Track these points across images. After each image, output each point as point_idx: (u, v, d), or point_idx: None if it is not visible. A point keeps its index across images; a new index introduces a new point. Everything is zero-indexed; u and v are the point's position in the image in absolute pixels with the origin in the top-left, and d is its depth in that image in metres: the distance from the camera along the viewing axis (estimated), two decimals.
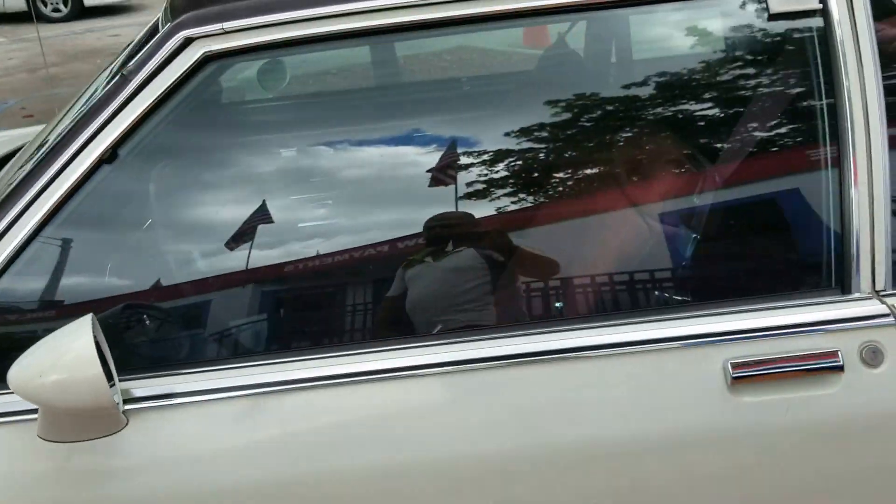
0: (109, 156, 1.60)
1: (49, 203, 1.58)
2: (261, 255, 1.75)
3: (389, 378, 1.58)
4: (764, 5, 1.65)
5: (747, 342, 1.61)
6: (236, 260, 1.75)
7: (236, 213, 1.78)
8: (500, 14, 1.61)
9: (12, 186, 1.59)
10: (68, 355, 1.42)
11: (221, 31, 1.60)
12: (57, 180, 1.59)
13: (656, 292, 1.74)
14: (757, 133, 1.75)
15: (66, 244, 1.63)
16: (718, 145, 1.80)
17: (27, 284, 1.64)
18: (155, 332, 1.69)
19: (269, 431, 1.57)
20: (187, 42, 1.61)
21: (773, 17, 1.64)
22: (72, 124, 1.60)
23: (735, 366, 1.58)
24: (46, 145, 1.64)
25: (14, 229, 1.58)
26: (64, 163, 1.59)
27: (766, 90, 1.75)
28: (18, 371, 1.44)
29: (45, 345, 1.46)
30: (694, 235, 1.77)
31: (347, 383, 1.58)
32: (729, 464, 1.60)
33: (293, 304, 1.80)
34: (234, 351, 1.69)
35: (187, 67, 1.60)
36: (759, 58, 1.73)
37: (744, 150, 1.76)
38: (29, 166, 1.60)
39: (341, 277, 1.79)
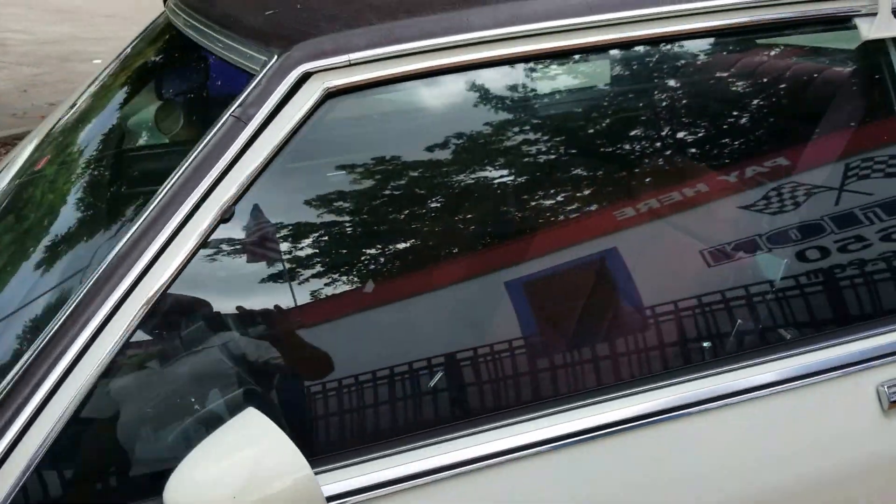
0: (231, 213, 1.33)
1: (168, 271, 1.29)
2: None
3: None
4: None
5: (890, 364, 1.60)
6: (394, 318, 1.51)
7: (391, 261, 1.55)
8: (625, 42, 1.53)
9: (113, 258, 1.27)
10: (266, 461, 1.15)
11: (347, 63, 1.39)
12: (172, 245, 1.30)
13: (758, 327, 1.70)
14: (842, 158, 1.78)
15: (187, 320, 1.33)
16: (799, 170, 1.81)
17: (139, 371, 1.32)
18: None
19: None
20: (304, 77, 1.38)
21: (866, 42, 1.67)
22: (175, 181, 1.31)
23: (892, 388, 1.58)
24: (141, 208, 1.32)
25: (126, 308, 1.26)
26: (179, 224, 1.31)
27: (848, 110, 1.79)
28: (192, 492, 1.14)
29: (213, 452, 1.17)
30: (785, 260, 1.75)
31: None
32: (889, 488, 1.59)
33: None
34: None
35: (310, 106, 1.38)
36: (842, 77, 1.77)
37: (826, 172, 1.79)
38: (133, 230, 1.29)
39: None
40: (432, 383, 1.48)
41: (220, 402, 1.38)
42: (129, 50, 2.30)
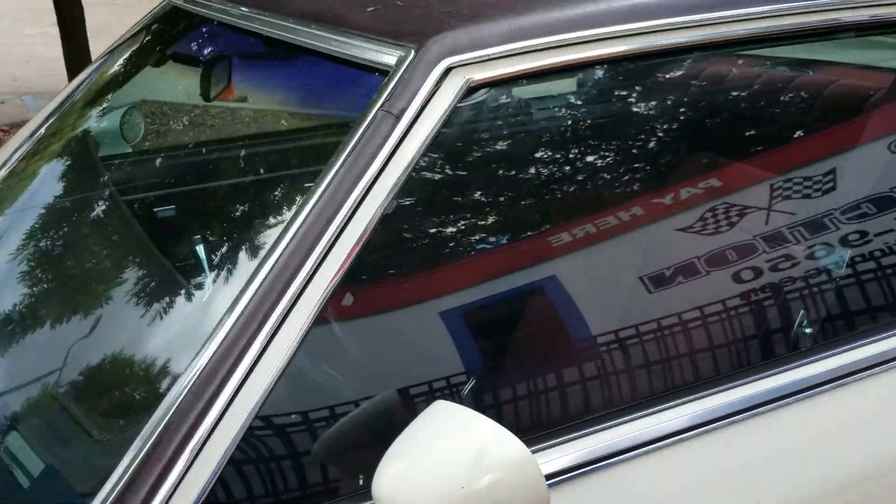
0: (393, 206, 1.33)
1: (336, 268, 1.27)
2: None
3: None
4: None
5: None
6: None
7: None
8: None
9: (279, 260, 1.24)
10: (485, 449, 1.15)
11: (487, 57, 1.41)
12: (339, 242, 1.29)
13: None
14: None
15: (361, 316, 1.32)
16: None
17: (314, 371, 1.30)
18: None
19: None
20: (447, 71, 1.40)
21: None
22: (331, 180, 1.30)
23: None
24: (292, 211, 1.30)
25: (298, 309, 1.24)
26: (343, 221, 1.29)
27: None
28: (411, 485, 1.13)
29: (418, 446, 1.17)
30: (846, 251, 1.84)
31: None
32: None
33: None
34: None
35: (455, 99, 1.39)
36: None
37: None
38: (294, 232, 1.27)
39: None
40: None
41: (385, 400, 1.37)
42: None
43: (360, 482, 1.34)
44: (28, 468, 1.32)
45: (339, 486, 1.38)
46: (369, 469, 1.22)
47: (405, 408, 1.38)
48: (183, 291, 1.50)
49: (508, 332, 1.55)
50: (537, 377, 1.49)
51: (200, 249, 1.52)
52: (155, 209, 1.77)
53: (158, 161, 2.00)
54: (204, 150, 1.95)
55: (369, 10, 1.59)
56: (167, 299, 1.50)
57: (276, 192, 1.56)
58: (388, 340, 1.47)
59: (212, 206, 1.68)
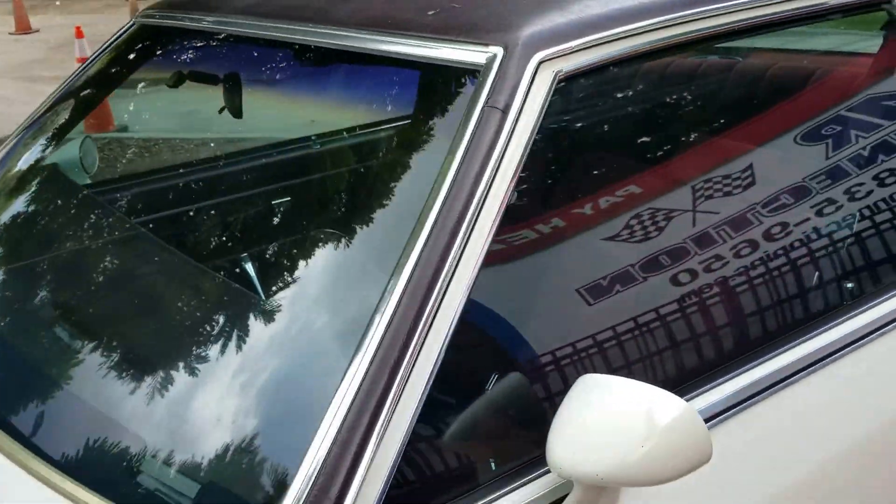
0: (514, 198, 1.40)
1: (472, 266, 1.33)
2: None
3: None
4: None
5: None
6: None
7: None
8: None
9: (415, 268, 1.29)
10: (649, 409, 1.23)
11: (570, 50, 1.50)
12: (471, 239, 1.34)
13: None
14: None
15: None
16: None
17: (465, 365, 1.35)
18: None
19: None
20: (538, 65, 1.48)
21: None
22: (452, 179, 1.35)
23: None
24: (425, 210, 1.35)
25: (441, 317, 1.29)
26: (472, 219, 1.35)
27: None
28: (590, 450, 1.21)
29: (584, 413, 1.25)
30: (854, 215, 2.00)
31: None
32: None
33: None
34: None
35: (548, 91, 1.47)
36: None
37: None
38: (426, 235, 1.31)
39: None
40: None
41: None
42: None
43: (493, 466, 1.40)
44: (185, 492, 1.31)
45: (476, 470, 1.43)
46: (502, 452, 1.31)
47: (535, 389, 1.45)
48: (328, 298, 1.51)
49: (630, 312, 1.64)
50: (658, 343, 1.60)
51: (339, 254, 1.55)
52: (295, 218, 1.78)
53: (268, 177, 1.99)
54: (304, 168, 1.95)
55: (430, 14, 1.64)
56: (320, 302, 1.51)
57: (393, 194, 1.59)
58: (517, 323, 1.54)
59: (344, 208, 1.70)
